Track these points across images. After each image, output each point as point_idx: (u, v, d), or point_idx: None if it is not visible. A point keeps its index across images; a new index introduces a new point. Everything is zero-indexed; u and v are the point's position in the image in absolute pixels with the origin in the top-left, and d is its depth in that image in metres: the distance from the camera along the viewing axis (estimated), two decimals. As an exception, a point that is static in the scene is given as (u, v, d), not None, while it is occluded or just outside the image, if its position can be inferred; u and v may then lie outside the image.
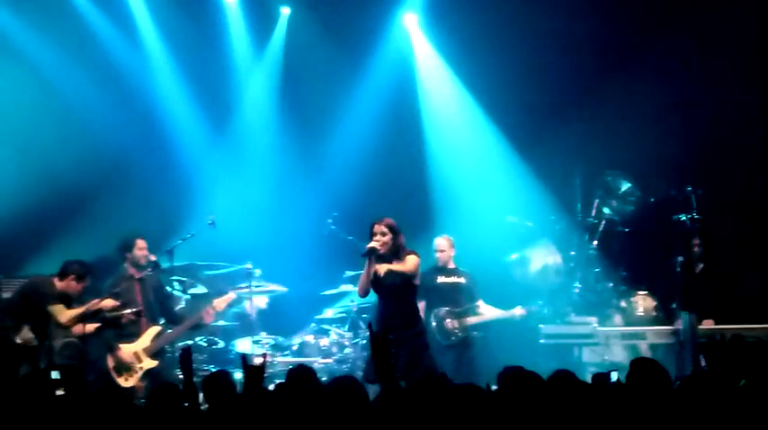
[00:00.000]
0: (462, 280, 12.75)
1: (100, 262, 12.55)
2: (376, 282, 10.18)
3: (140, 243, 11.68)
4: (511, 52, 14.42)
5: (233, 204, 14.40)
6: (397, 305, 10.16)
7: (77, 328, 10.91)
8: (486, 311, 12.79)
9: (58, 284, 10.84)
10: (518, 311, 12.87)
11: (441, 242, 12.82)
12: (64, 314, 10.73)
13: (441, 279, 12.68)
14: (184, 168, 14.80)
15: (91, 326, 11.06)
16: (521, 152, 14.70)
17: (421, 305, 12.30)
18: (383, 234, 10.21)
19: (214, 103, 15.01)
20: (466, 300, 12.69)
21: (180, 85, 14.92)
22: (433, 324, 12.46)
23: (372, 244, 10.10)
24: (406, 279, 10.16)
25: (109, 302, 10.67)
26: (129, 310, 10.76)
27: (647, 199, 14.27)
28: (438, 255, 12.75)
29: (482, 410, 6.33)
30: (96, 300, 10.81)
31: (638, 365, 6.90)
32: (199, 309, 11.92)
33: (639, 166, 14.25)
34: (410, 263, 10.18)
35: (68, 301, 11.21)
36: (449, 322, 12.52)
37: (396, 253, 10.21)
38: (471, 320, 12.64)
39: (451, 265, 12.82)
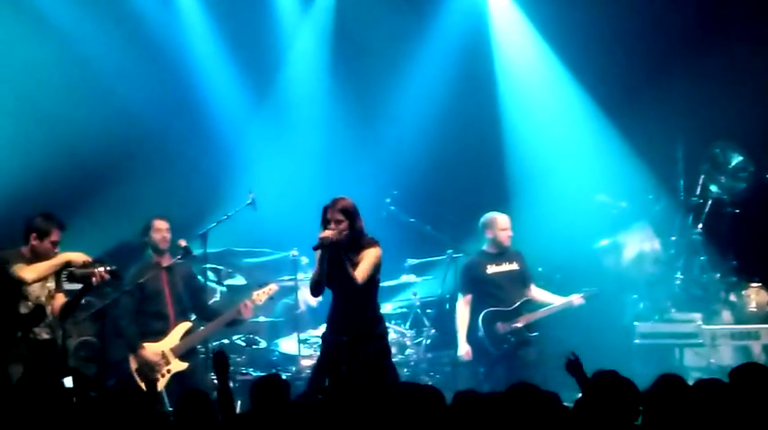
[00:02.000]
0: (515, 266, 12.36)
1: (123, 248, 12.56)
2: (330, 279, 9.86)
3: (159, 224, 11.60)
4: (603, 4, 14.28)
5: (276, 182, 14.43)
6: (354, 305, 9.86)
7: (56, 304, 10.72)
8: (541, 297, 12.46)
9: (24, 250, 10.79)
10: (576, 300, 12.45)
11: (502, 220, 12.38)
12: (25, 270, 10.64)
13: (492, 268, 12.30)
14: (222, 140, 14.86)
15: (61, 300, 10.82)
16: (614, 120, 14.61)
17: (467, 299, 12.14)
18: (338, 221, 9.88)
19: (255, 65, 15.03)
20: (519, 292, 12.36)
21: (216, 45, 14.97)
22: (481, 331, 12.17)
23: (326, 233, 9.75)
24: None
25: (79, 256, 10.56)
26: (102, 268, 10.59)
27: (762, 175, 14.10)
28: (502, 235, 12.34)
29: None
30: (65, 253, 10.70)
31: (744, 374, 6.70)
32: (236, 303, 11.85)
33: (753, 137, 14.07)
34: (372, 257, 9.85)
35: None
36: (500, 326, 12.22)
37: (354, 242, 9.89)
38: (524, 319, 12.30)
39: (505, 249, 12.40)
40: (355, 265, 9.62)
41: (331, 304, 9.95)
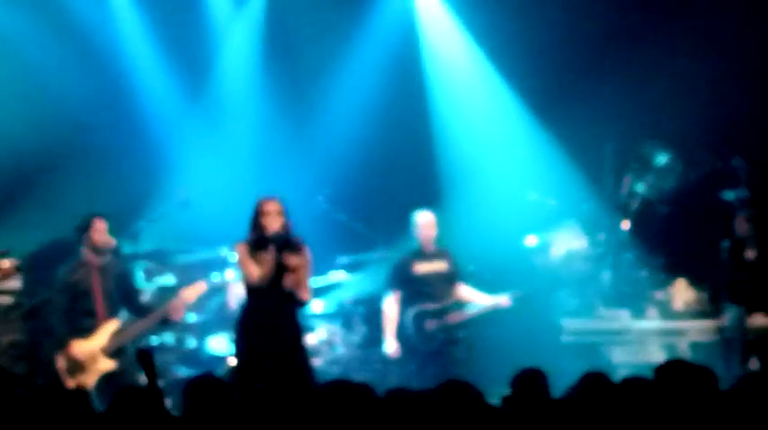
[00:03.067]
0: (444, 264, 12.35)
1: (55, 245, 12.47)
2: (273, 278, 9.87)
3: (98, 224, 11.50)
4: (532, 4, 14.39)
5: (209, 180, 14.35)
6: (289, 309, 9.87)
7: None
8: (469, 296, 12.43)
9: None
10: (503, 301, 12.40)
11: (428, 219, 12.38)
12: None
13: (419, 267, 12.29)
14: (154, 137, 14.71)
15: None
16: (543, 118, 14.63)
17: (395, 297, 12.17)
18: (280, 214, 9.89)
19: (188, 62, 14.93)
20: (448, 290, 12.35)
21: (149, 41, 14.85)
22: (410, 328, 12.18)
23: (275, 227, 9.74)
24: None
25: None
26: (5, 264, 10.53)
27: (689, 174, 14.18)
28: (423, 234, 12.33)
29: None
30: None
31: (669, 371, 6.77)
32: (166, 302, 11.80)
33: (680, 135, 14.14)
34: (309, 256, 9.89)
35: None
36: (428, 323, 12.24)
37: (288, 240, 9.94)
38: (454, 318, 12.37)
39: (432, 248, 12.42)
40: (291, 265, 9.64)
41: (254, 308, 9.87)
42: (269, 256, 9.88)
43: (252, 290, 10.18)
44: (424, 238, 12.28)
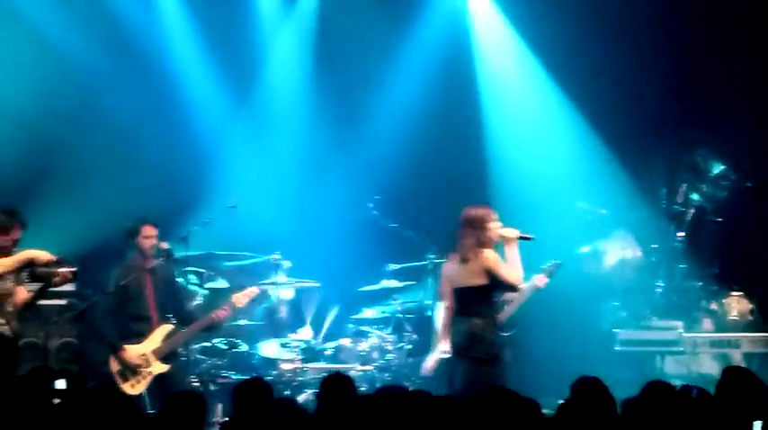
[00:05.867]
0: None
1: (102, 248, 12.56)
2: None
3: (147, 230, 11.59)
4: (583, 5, 14.31)
5: (258, 185, 14.42)
6: None
7: (17, 299, 10.70)
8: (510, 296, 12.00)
9: None
10: (539, 281, 12.07)
11: None
12: None
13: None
14: (202, 142, 14.79)
15: (23, 295, 10.83)
16: (594, 126, 14.60)
17: (445, 305, 12.09)
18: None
19: (236, 66, 14.99)
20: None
21: (197, 45, 14.93)
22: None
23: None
24: None
25: (42, 254, 10.58)
26: (65, 268, 10.62)
27: (744, 183, 14.16)
28: None
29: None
30: (28, 251, 10.69)
31: (731, 376, 6.79)
32: (217, 306, 11.88)
33: (735, 145, 14.09)
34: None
35: None
36: None
37: None
38: (501, 316, 12.08)
39: None
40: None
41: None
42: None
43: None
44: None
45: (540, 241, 13.38)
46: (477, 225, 10.47)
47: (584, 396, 6.63)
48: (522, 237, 10.47)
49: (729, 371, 6.87)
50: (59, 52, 14.15)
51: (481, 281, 10.36)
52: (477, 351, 10.34)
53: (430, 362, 11.10)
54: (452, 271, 10.66)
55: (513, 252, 10.40)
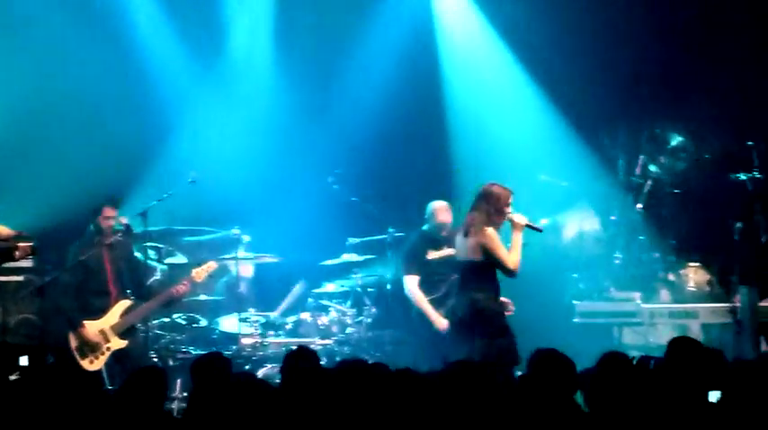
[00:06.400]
0: (452, 250, 11.88)
1: (61, 224, 12.53)
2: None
3: (107, 211, 11.68)
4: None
5: (218, 159, 14.29)
6: None
7: None
8: None
9: None
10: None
11: (444, 204, 12.37)
12: None
13: (433, 253, 12.27)
14: (162, 115, 14.67)
15: None
16: (555, 99, 14.61)
17: (416, 279, 12.17)
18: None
19: (199, 36, 14.89)
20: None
21: (159, 16, 14.80)
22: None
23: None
24: None
25: (2, 228, 10.58)
26: (24, 244, 10.63)
27: (702, 155, 14.20)
28: (440, 219, 12.27)
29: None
30: None
31: (677, 347, 6.85)
32: (176, 281, 11.89)
33: (696, 117, 14.18)
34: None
35: None
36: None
37: None
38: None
39: (446, 233, 12.25)
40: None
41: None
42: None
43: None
44: (440, 224, 12.28)
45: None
46: (493, 202, 10.63)
47: (541, 368, 6.67)
48: (529, 226, 10.59)
49: (675, 343, 6.93)
50: (17, 23, 14.07)
51: (477, 256, 10.52)
52: (486, 326, 10.54)
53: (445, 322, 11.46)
54: (458, 242, 10.91)
55: (517, 238, 10.60)
